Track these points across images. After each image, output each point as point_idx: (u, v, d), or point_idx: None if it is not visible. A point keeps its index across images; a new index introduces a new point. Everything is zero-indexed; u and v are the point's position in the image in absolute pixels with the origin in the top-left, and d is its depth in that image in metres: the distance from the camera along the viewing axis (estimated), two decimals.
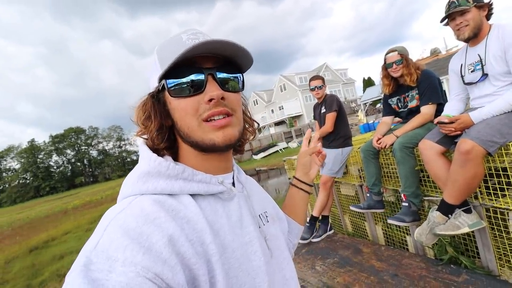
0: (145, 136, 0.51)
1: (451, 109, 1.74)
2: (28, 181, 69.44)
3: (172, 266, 0.35)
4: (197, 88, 0.46)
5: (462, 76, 1.67)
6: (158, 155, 0.48)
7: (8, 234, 12.22)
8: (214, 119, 0.47)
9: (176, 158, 0.52)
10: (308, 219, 2.73)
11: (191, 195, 0.46)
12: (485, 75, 1.53)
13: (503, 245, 1.54)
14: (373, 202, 2.20)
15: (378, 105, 21.52)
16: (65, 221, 12.24)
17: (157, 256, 0.35)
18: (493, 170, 1.47)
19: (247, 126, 0.60)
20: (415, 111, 2.03)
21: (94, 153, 78.70)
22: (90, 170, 78.49)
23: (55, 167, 73.68)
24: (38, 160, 70.29)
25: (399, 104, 2.16)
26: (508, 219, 1.48)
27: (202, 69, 0.46)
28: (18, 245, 8.85)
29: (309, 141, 0.82)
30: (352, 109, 27.33)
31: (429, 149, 1.63)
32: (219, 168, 0.53)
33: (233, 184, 0.55)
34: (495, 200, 1.49)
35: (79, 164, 76.48)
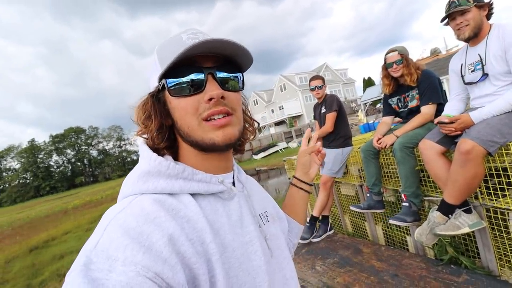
0: (145, 136, 0.51)
1: (451, 109, 1.74)
2: (28, 181, 69.49)
3: (172, 266, 0.35)
4: (197, 87, 0.46)
5: (462, 76, 1.67)
6: (158, 155, 0.48)
7: (8, 234, 12.23)
8: (214, 118, 0.47)
9: (176, 157, 0.52)
10: (308, 219, 2.73)
11: (191, 194, 0.46)
12: (485, 75, 1.53)
13: (504, 245, 1.54)
14: (373, 202, 2.20)
15: (378, 105, 21.52)
16: (65, 220, 12.25)
17: (157, 255, 0.35)
18: (493, 170, 1.47)
19: (247, 125, 0.60)
20: (415, 111, 2.03)
21: (94, 153, 78.86)
22: (90, 170, 78.52)
23: (55, 167, 73.73)
24: (38, 160, 70.33)
25: (399, 104, 2.16)
26: (509, 219, 1.48)
27: (202, 68, 0.46)
28: (18, 244, 8.86)
29: (309, 140, 0.82)
30: (352, 109, 27.33)
31: (429, 149, 1.63)
32: (219, 168, 0.53)
33: (233, 183, 0.55)
34: (496, 200, 1.49)
35: (79, 164, 76.52)
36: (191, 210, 0.44)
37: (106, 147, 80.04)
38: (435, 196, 1.82)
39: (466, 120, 1.48)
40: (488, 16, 1.54)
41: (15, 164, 73.52)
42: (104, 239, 0.35)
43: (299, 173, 0.80)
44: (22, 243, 8.99)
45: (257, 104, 38.41)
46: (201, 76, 0.46)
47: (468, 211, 1.53)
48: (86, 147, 77.28)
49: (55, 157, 73.76)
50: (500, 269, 1.58)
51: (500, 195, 1.47)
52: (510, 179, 1.42)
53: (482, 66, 1.53)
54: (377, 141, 2.06)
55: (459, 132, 1.52)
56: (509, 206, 1.44)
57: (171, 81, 0.46)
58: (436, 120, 1.62)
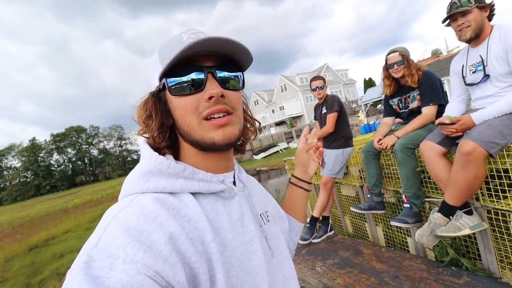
0: (146, 135, 0.51)
1: (452, 110, 1.74)
2: (28, 180, 69.63)
3: (172, 264, 0.36)
4: (197, 86, 0.46)
5: (463, 77, 1.67)
6: (159, 154, 0.48)
7: (9, 233, 12.25)
8: (214, 117, 0.47)
9: (177, 157, 0.53)
10: (308, 220, 2.73)
11: (192, 193, 0.46)
12: (486, 76, 1.52)
13: (505, 247, 1.53)
14: (374, 203, 2.20)
15: (379, 105, 21.49)
16: (66, 219, 12.26)
17: (158, 254, 0.35)
18: (494, 171, 1.47)
19: (248, 125, 0.60)
20: (416, 112, 2.03)
21: (94, 152, 79.02)
22: (91, 169, 78.66)
23: (55, 166, 73.90)
24: (39, 158, 70.48)
25: (400, 105, 2.16)
26: (510, 221, 1.47)
27: (202, 67, 0.47)
28: (18, 243, 8.87)
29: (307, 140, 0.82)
30: (353, 110, 27.31)
31: (430, 150, 1.63)
32: (220, 167, 0.53)
33: (234, 183, 0.55)
34: (497, 201, 1.49)
35: (79, 163, 76.68)
36: (192, 209, 0.44)
37: (107, 146, 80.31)
38: (436, 197, 1.82)
39: (467, 121, 1.48)
40: (490, 17, 1.54)
41: (16, 163, 73.78)
42: (105, 237, 0.35)
43: (298, 171, 0.80)
44: (22, 241, 9.00)
45: (258, 104, 38.41)
46: (201, 75, 0.46)
47: (469, 213, 1.53)
48: (87, 146, 77.45)
49: (55, 156, 74.01)
50: (501, 271, 1.57)
51: (501, 196, 1.46)
52: (511, 181, 1.41)
53: (484, 67, 1.52)
54: (378, 142, 2.06)
55: (460, 133, 1.52)
56: (510, 207, 1.43)
57: (172, 80, 0.46)
58: (437, 121, 1.62)
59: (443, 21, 1.60)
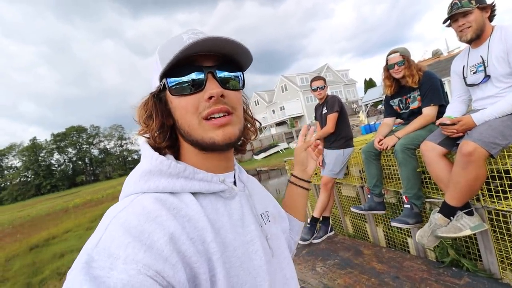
0: (147, 135, 0.51)
1: (453, 111, 1.73)
2: (29, 179, 69.75)
3: (173, 264, 0.36)
4: (197, 86, 0.46)
5: (464, 78, 1.67)
6: (160, 154, 0.48)
7: (9, 232, 12.26)
8: (214, 117, 0.47)
9: (177, 157, 0.53)
10: (308, 220, 2.73)
11: (192, 193, 0.47)
12: (487, 77, 1.52)
13: (505, 248, 1.53)
14: (374, 204, 2.20)
15: (380, 106, 21.48)
16: (66, 219, 12.27)
17: (158, 254, 0.35)
18: (495, 172, 1.46)
19: (249, 125, 0.60)
20: (417, 112, 2.03)
21: (95, 151, 79.12)
22: (91, 168, 78.74)
23: (56, 166, 74.02)
24: (40, 158, 70.59)
25: (401, 105, 2.16)
26: (510, 222, 1.47)
27: (202, 67, 0.47)
28: (19, 243, 8.88)
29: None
30: (353, 110, 27.29)
31: (431, 150, 1.63)
32: (220, 167, 0.53)
33: (235, 183, 0.55)
34: (497, 202, 1.49)
35: (80, 162, 76.78)
36: (192, 209, 0.44)
37: (107, 146, 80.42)
38: (436, 198, 1.82)
39: (468, 122, 1.47)
40: (491, 18, 1.54)
41: (16, 163, 73.93)
42: (106, 237, 0.35)
43: (297, 170, 0.80)
44: (23, 241, 9.01)
45: (258, 104, 38.41)
46: (201, 75, 0.46)
47: (470, 213, 1.52)
48: (88, 146, 77.56)
49: (56, 155, 74.15)
50: (502, 272, 1.57)
51: (502, 197, 1.46)
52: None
53: (484, 67, 1.52)
54: (378, 142, 2.06)
55: (461, 134, 1.52)
56: (511, 208, 1.43)
57: (172, 81, 0.47)
58: (438, 122, 1.61)
59: (444, 22, 1.60)
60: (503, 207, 1.46)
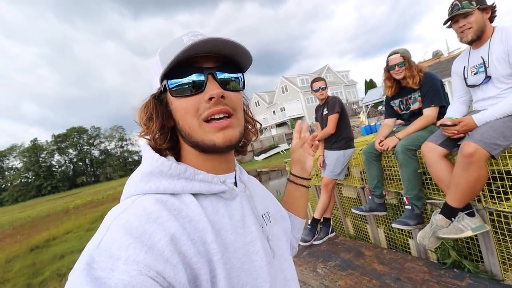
0: (147, 137, 0.52)
1: (454, 112, 1.73)
2: (30, 180, 69.81)
3: (173, 265, 0.36)
4: (197, 87, 0.47)
5: (465, 79, 1.66)
6: (160, 155, 0.48)
7: (9, 233, 12.26)
8: (215, 118, 0.47)
9: (178, 158, 0.53)
10: (309, 221, 2.72)
11: (193, 194, 0.47)
12: (488, 78, 1.52)
13: (507, 249, 1.53)
14: (375, 205, 2.19)
15: (380, 107, 21.48)
16: (66, 220, 12.27)
17: (159, 254, 0.35)
18: (496, 173, 1.46)
19: (249, 126, 0.60)
20: (418, 113, 2.03)
21: (96, 153, 79.21)
22: (92, 169, 78.81)
23: (57, 167, 74.09)
24: (40, 159, 70.69)
25: (402, 106, 2.16)
26: None
27: (203, 69, 0.47)
28: (19, 244, 8.87)
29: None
30: (354, 111, 27.29)
31: (431, 151, 1.62)
32: (221, 168, 0.53)
33: (235, 184, 0.55)
34: (499, 203, 1.48)
35: (81, 163, 76.85)
36: (193, 210, 0.44)
37: (108, 147, 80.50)
38: (437, 199, 1.81)
39: (469, 123, 1.47)
40: (491, 19, 1.54)
41: (17, 163, 74.01)
42: (107, 238, 0.35)
43: (296, 169, 0.79)
44: (23, 242, 9.01)
45: (259, 105, 38.44)
46: (201, 76, 0.47)
47: (471, 215, 1.52)
48: (88, 147, 77.66)
49: (57, 156, 74.21)
50: (504, 273, 1.56)
51: (503, 198, 1.46)
52: None
53: (485, 68, 1.52)
54: (379, 143, 2.06)
55: (462, 135, 1.52)
56: None
57: (173, 82, 0.47)
58: (438, 123, 1.61)
59: (445, 23, 1.60)
60: (505, 208, 1.45)
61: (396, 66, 1.99)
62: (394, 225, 1.92)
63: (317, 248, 2.59)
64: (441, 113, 1.90)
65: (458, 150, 1.44)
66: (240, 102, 0.52)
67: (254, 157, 19.59)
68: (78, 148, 76.10)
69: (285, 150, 19.85)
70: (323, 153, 2.77)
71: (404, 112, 2.15)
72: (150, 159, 0.47)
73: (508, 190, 1.43)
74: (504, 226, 1.49)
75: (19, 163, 72.90)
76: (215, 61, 0.48)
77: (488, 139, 1.34)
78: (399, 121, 2.32)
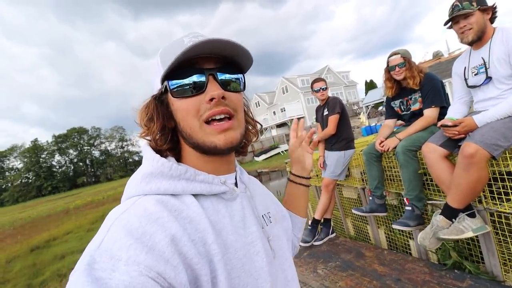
0: (148, 138, 0.52)
1: (454, 112, 1.73)
2: (30, 181, 69.88)
3: (174, 266, 0.36)
4: (198, 88, 0.47)
5: (465, 79, 1.66)
6: (161, 156, 0.48)
7: (10, 233, 12.27)
8: (216, 119, 0.47)
9: (179, 159, 0.53)
10: (310, 222, 2.72)
11: (193, 195, 0.47)
12: (489, 78, 1.52)
13: (508, 250, 1.52)
14: (376, 206, 2.19)
15: (380, 107, 21.48)
16: (67, 221, 12.27)
17: (160, 255, 0.35)
18: (497, 174, 1.46)
19: (250, 127, 0.60)
20: (418, 114, 2.03)
21: (96, 153, 79.28)
22: (92, 170, 78.89)
23: (57, 167, 74.18)
24: (41, 159, 70.77)
25: (402, 107, 2.16)
26: None
27: (203, 69, 0.47)
28: (20, 244, 8.88)
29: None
30: (354, 112, 27.29)
31: (432, 152, 1.62)
32: (221, 169, 0.53)
33: (236, 184, 0.56)
34: (500, 204, 1.48)
35: (81, 164, 76.93)
36: (194, 210, 0.44)
37: (108, 148, 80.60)
38: (438, 200, 1.81)
39: (470, 124, 1.47)
40: (492, 20, 1.54)
41: (17, 164, 74.11)
42: (108, 239, 0.35)
43: (296, 169, 0.79)
44: (24, 242, 9.01)
45: (259, 106, 38.46)
46: (202, 77, 0.47)
47: (472, 215, 1.52)
48: (89, 147, 77.76)
49: (57, 157, 74.30)
50: (505, 274, 1.56)
51: (504, 199, 1.46)
52: None
53: (486, 69, 1.52)
54: (380, 144, 2.06)
55: (462, 136, 1.52)
56: None
57: (174, 83, 0.47)
58: (439, 123, 1.61)
59: (445, 24, 1.60)
60: (506, 209, 1.45)
61: (397, 67, 1.99)
62: (394, 226, 1.91)
63: (317, 248, 2.59)
64: (442, 114, 1.90)
65: (458, 151, 1.44)
66: (240, 103, 0.53)
67: (255, 157, 19.59)
68: (79, 149, 76.18)
69: (285, 150, 19.84)
70: (323, 153, 2.77)
71: (404, 112, 2.15)
72: (150, 160, 0.47)
73: (509, 191, 1.43)
74: (505, 227, 1.48)
75: (20, 164, 73.08)
76: (215, 62, 0.49)
77: (489, 140, 1.34)
78: (400, 122, 2.32)
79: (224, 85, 0.48)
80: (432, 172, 1.66)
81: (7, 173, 73.40)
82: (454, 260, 1.77)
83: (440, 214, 1.57)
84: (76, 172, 75.50)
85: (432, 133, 1.79)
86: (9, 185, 70.38)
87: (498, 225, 1.52)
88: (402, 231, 2.14)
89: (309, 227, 2.68)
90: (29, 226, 13.63)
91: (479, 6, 1.47)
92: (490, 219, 1.55)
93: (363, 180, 2.47)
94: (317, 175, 3.07)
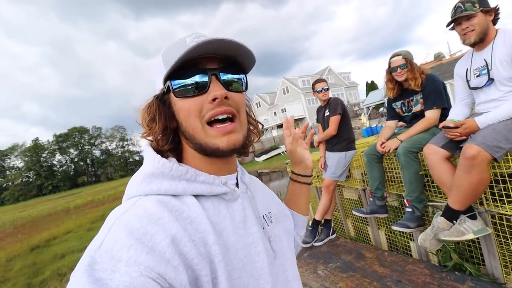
0: (150, 138, 0.52)
1: (456, 114, 1.73)
2: (31, 180, 70.01)
3: (175, 266, 0.36)
4: (201, 88, 0.47)
5: (467, 81, 1.66)
6: (162, 157, 0.48)
7: (10, 232, 12.28)
8: (219, 120, 0.47)
9: (180, 160, 0.53)
10: (310, 223, 2.71)
11: (194, 196, 0.47)
12: (491, 80, 1.52)
13: (509, 252, 1.52)
14: (376, 207, 2.18)
15: (381, 109, 21.48)
16: (67, 220, 12.28)
17: (160, 256, 0.35)
18: (498, 176, 1.45)
19: (251, 127, 0.60)
20: (420, 115, 2.02)
21: (97, 152, 79.39)
22: (93, 169, 79.00)
23: (58, 166, 74.31)
24: (42, 159, 70.92)
25: (403, 108, 2.15)
26: None
27: (206, 70, 0.47)
28: (20, 243, 8.89)
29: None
30: (355, 113, 27.28)
31: (434, 153, 1.62)
32: (223, 170, 0.53)
33: (237, 185, 0.55)
34: (501, 206, 1.47)
35: (82, 163, 77.05)
36: (194, 211, 0.44)
37: (109, 147, 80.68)
38: (439, 202, 1.80)
39: (472, 125, 1.47)
40: (494, 21, 1.54)
41: (18, 163, 74.25)
42: (109, 239, 0.35)
43: (298, 168, 0.78)
44: (24, 241, 9.02)
45: (260, 106, 38.48)
46: (205, 77, 0.47)
47: (473, 217, 1.51)
48: (89, 147, 77.88)
49: (58, 156, 74.42)
50: (506, 276, 1.55)
51: (505, 201, 1.45)
52: None
53: (488, 71, 1.52)
54: (381, 145, 2.05)
55: (464, 137, 1.51)
56: None
57: (176, 83, 0.47)
58: (441, 125, 1.61)
59: (447, 25, 1.60)
60: (507, 211, 1.45)
61: (398, 68, 1.99)
62: (394, 228, 1.91)
63: (317, 249, 2.58)
64: (443, 116, 1.90)
65: (460, 153, 1.43)
66: (243, 103, 0.53)
67: (255, 158, 19.59)
68: (79, 148, 76.32)
69: (286, 151, 19.80)
70: (324, 154, 2.77)
71: (406, 114, 2.15)
72: (151, 160, 0.47)
73: (510, 193, 1.42)
74: (506, 229, 1.48)
75: (21, 163, 73.23)
76: (218, 62, 0.49)
77: (490, 142, 1.33)
78: (401, 123, 2.32)
79: (227, 85, 0.48)
80: (433, 173, 1.65)
81: (7, 172, 73.58)
82: (455, 262, 1.76)
83: (441, 216, 1.57)
84: (77, 171, 75.61)
85: (433, 134, 1.79)
86: (10, 184, 70.49)
87: (499, 227, 1.52)
88: (402, 232, 2.14)
89: (310, 228, 2.67)
90: (30, 225, 13.65)
91: (482, 8, 1.47)
92: (491, 221, 1.54)
93: (363, 181, 2.46)
94: (317, 176, 3.07)
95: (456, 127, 1.51)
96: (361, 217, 2.51)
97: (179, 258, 0.37)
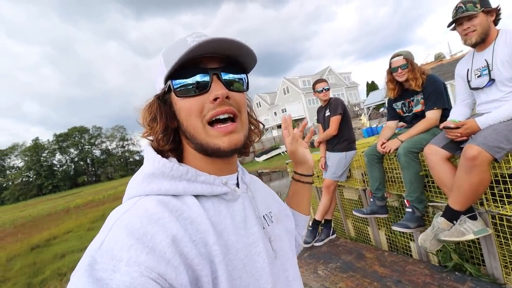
0: (150, 138, 0.52)
1: (457, 114, 1.73)
2: (31, 179, 69.99)
3: (175, 266, 0.36)
4: (202, 88, 0.47)
5: (468, 81, 1.66)
6: (162, 157, 0.48)
7: (10, 232, 12.29)
8: (220, 120, 0.47)
9: (180, 159, 0.53)
10: (310, 223, 2.71)
11: (195, 196, 0.46)
12: (492, 80, 1.52)
13: (509, 253, 1.52)
14: (377, 207, 2.18)
15: (382, 109, 21.47)
16: (67, 219, 12.28)
17: (161, 256, 0.35)
18: (499, 176, 1.45)
19: (252, 127, 0.60)
20: (420, 115, 2.02)
21: (97, 152, 79.33)
22: (93, 169, 79.01)
23: (58, 166, 74.27)
24: (42, 158, 70.90)
25: (404, 109, 2.15)
26: None
27: (207, 69, 0.47)
28: (20, 243, 8.89)
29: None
30: (355, 113, 27.27)
31: (434, 154, 1.62)
32: (223, 170, 0.53)
33: (238, 185, 0.55)
34: (501, 207, 1.47)
35: (82, 163, 77.04)
36: (195, 211, 0.44)
37: (109, 147, 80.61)
38: (439, 202, 1.80)
39: (472, 126, 1.47)
40: (496, 22, 1.54)
41: (18, 163, 74.16)
42: (109, 239, 0.35)
43: (302, 168, 0.77)
44: (24, 241, 9.02)
45: (260, 106, 38.48)
46: (206, 77, 0.47)
47: (473, 218, 1.51)
48: (89, 146, 77.85)
49: (58, 156, 74.36)
50: (506, 277, 1.55)
51: (506, 202, 1.45)
52: None
53: (489, 71, 1.51)
54: (381, 145, 2.05)
55: (465, 138, 1.51)
56: None
57: (177, 82, 0.47)
58: (442, 125, 1.61)
59: (449, 25, 1.60)
60: (507, 211, 1.44)
61: (399, 68, 1.99)
62: (394, 228, 1.91)
63: (318, 249, 2.58)
64: (444, 116, 1.89)
65: (461, 153, 1.43)
66: (244, 103, 0.53)
67: (255, 158, 19.59)
68: (80, 148, 76.30)
69: (286, 151, 19.81)
70: (324, 154, 2.77)
71: (406, 114, 2.15)
72: (152, 160, 0.47)
73: (511, 193, 1.42)
74: (507, 229, 1.48)
75: (21, 162, 73.18)
76: (219, 62, 0.48)
77: (491, 142, 1.33)
78: (402, 124, 2.31)
79: (228, 84, 0.48)
80: (434, 174, 1.65)
81: (8, 172, 73.56)
82: (455, 262, 1.76)
83: (441, 216, 1.56)
84: (77, 171, 75.60)
85: (434, 135, 1.79)
86: (10, 183, 70.47)
87: (499, 228, 1.51)
88: (402, 233, 2.13)
89: (310, 228, 2.67)
90: (30, 224, 13.65)
91: (483, 8, 1.47)
92: (492, 222, 1.54)
93: (364, 181, 2.46)
94: (318, 176, 3.07)
95: (457, 128, 1.51)
96: (361, 217, 2.51)
97: (179, 258, 0.37)
